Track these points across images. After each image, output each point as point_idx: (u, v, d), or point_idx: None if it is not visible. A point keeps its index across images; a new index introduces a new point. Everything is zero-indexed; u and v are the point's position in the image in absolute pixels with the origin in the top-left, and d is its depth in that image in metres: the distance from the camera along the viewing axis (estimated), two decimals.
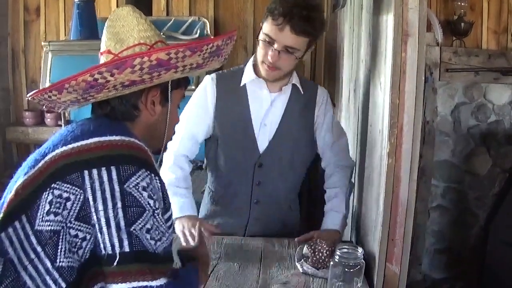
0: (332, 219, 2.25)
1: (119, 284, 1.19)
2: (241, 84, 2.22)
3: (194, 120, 2.26)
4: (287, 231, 2.40)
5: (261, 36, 2.10)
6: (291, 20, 1.99)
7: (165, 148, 1.57)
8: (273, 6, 2.02)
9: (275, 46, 2.05)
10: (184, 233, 2.08)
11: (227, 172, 2.31)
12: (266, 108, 2.25)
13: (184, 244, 2.05)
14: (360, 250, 1.82)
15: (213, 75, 2.27)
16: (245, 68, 2.25)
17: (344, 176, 2.32)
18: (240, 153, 2.27)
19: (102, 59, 1.41)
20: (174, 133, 1.61)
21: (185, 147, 2.29)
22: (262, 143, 2.26)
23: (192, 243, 2.03)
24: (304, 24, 2.01)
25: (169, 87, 1.46)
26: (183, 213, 2.14)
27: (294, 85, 2.25)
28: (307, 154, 2.38)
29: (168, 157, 2.26)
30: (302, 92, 2.26)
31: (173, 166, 2.26)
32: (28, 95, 1.42)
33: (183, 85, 1.55)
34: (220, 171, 2.33)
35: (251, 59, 2.26)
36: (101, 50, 1.44)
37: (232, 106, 2.24)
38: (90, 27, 3.27)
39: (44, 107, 1.46)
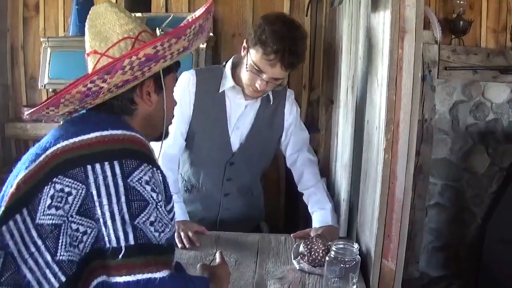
0: (322, 217, 2.38)
1: (124, 276, 1.21)
2: (220, 90, 2.35)
3: (179, 118, 2.33)
4: (254, 216, 2.69)
5: (250, 65, 2.20)
6: (283, 58, 2.11)
7: (167, 134, 1.59)
8: (264, 39, 2.11)
9: (264, 76, 2.18)
10: (180, 237, 2.16)
11: (201, 167, 2.49)
12: (240, 113, 2.40)
13: (179, 245, 2.11)
14: (355, 246, 1.83)
15: (193, 72, 2.38)
16: (225, 73, 2.36)
17: (314, 172, 2.51)
18: (214, 152, 2.43)
19: (90, 60, 1.43)
20: (173, 116, 1.62)
21: (176, 145, 2.40)
22: (235, 144, 2.43)
23: (188, 246, 2.13)
24: (294, 60, 2.15)
25: (161, 75, 1.46)
26: (177, 218, 2.18)
27: (267, 95, 2.40)
28: (272, 151, 2.62)
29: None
30: (272, 102, 2.44)
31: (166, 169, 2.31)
32: (25, 114, 1.43)
33: (174, 69, 1.56)
34: (194, 164, 2.49)
35: (230, 63, 2.38)
36: (87, 51, 1.44)
37: (210, 108, 2.37)
38: None
39: (43, 121, 1.47)
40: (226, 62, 2.43)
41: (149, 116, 1.49)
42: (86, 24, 1.45)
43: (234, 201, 2.54)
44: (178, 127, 2.35)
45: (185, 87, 2.34)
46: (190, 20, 1.46)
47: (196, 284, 1.42)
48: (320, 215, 2.37)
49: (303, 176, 2.50)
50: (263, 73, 2.18)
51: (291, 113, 2.52)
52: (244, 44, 2.26)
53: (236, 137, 2.43)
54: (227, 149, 2.43)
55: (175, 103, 1.62)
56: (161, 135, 1.55)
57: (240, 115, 2.41)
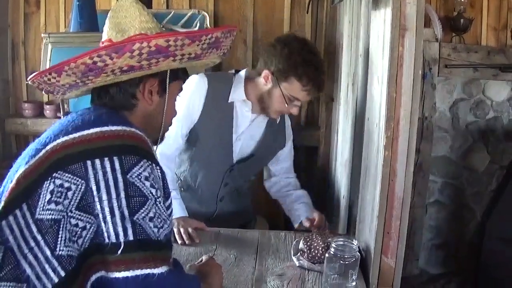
0: (307, 208, 2.56)
1: (122, 272, 1.22)
2: (229, 101, 2.39)
3: (184, 120, 2.36)
4: (244, 215, 2.75)
5: (286, 97, 2.30)
6: (320, 85, 2.28)
7: (162, 139, 1.59)
8: (299, 72, 2.24)
9: (299, 103, 2.33)
10: (180, 233, 2.17)
11: (200, 170, 2.51)
12: (246, 126, 2.45)
13: (179, 242, 2.13)
14: (355, 242, 1.83)
15: (205, 77, 2.39)
16: (236, 84, 2.41)
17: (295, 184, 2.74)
18: (215, 158, 2.47)
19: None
20: (171, 124, 1.62)
21: (175, 146, 2.42)
22: (235, 154, 2.47)
23: (187, 242, 2.14)
24: (324, 80, 2.31)
25: (167, 77, 1.47)
26: (175, 215, 2.20)
27: None
28: (265, 164, 2.72)
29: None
30: (278, 122, 2.54)
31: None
32: (28, 78, 1.43)
33: (182, 78, 1.57)
34: (193, 166, 2.51)
35: (242, 76, 2.43)
36: (102, 39, 1.46)
37: (217, 116, 2.40)
38: (90, 19, 3.26)
39: (43, 91, 1.47)
40: (236, 72, 2.48)
41: (148, 116, 1.49)
42: (108, 14, 1.48)
43: (228, 204, 2.59)
44: (180, 128, 2.36)
45: (195, 91, 2.36)
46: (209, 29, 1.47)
47: (191, 281, 1.43)
48: (305, 206, 2.57)
49: (279, 183, 2.75)
50: (299, 100, 2.32)
51: (289, 129, 2.66)
52: (268, 74, 2.32)
53: (238, 147, 2.47)
54: (228, 158, 2.47)
55: (175, 113, 1.63)
56: (157, 140, 1.55)
57: (246, 128, 2.45)
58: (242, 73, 2.45)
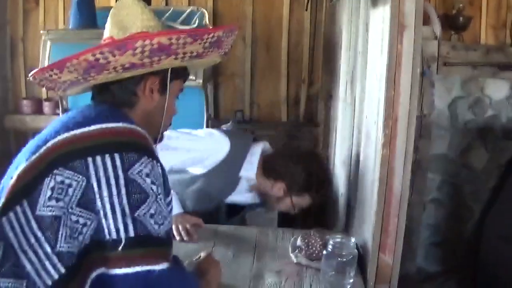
0: None
1: (123, 268, 1.22)
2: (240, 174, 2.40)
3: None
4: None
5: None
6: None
7: (161, 138, 1.59)
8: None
9: None
10: (178, 229, 2.17)
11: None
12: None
13: (178, 238, 2.13)
14: (353, 240, 1.84)
15: (226, 138, 2.37)
16: (250, 158, 2.42)
17: None
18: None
19: None
20: (170, 124, 1.63)
21: None
22: None
23: (186, 239, 2.15)
24: None
25: (168, 76, 1.47)
26: (173, 212, 2.19)
27: None
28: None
29: None
30: None
31: None
32: (29, 74, 1.43)
33: (182, 77, 1.57)
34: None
35: (259, 151, 2.45)
36: (104, 37, 1.46)
37: (221, 182, 2.39)
38: (89, 16, 3.27)
39: (44, 87, 1.47)
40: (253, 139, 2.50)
41: (148, 114, 1.49)
42: (110, 12, 1.48)
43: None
44: None
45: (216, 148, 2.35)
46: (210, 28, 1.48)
47: (191, 278, 1.43)
48: None
49: None
50: None
51: None
52: (283, 187, 2.37)
53: None
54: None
55: (175, 112, 1.63)
56: (156, 139, 1.56)
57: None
58: (259, 147, 2.46)
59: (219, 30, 1.44)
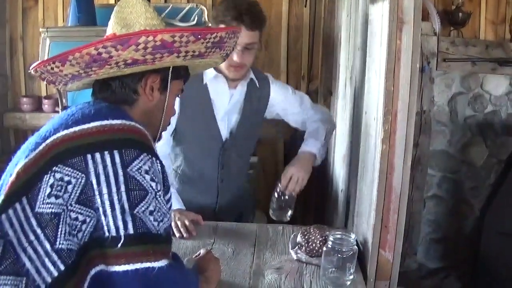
0: (310, 144, 2.47)
1: (122, 265, 1.22)
2: (204, 82, 2.39)
3: None
4: (245, 208, 2.74)
5: None
6: (244, 20, 2.20)
7: (159, 138, 1.59)
8: (222, 15, 2.24)
9: (238, 47, 2.23)
10: (177, 226, 2.18)
11: (194, 158, 2.53)
12: (226, 102, 2.44)
13: (177, 235, 2.14)
14: (353, 236, 1.84)
15: None
16: None
17: (323, 119, 2.58)
18: (205, 143, 2.47)
19: None
20: (169, 124, 1.64)
21: (167, 143, 2.46)
22: (224, 132, 2.46)
23: (185, 235, 2.15)
24: (254, 20, 2.24)
25: (170, 75, 1.48)
26: (173, 207, 2.19)
27: (251, 80, 2.46)
28: (257, 135, 2.71)
29: None
30: (258, 86, 2.49)
31: None
32: (31, 66, 1.43)
33: (183, 77, 1.57)
34: (188, 157, 2.52)
35: None
36: (107, 34, 1.46)
37: (195, 101, 2.39)
38: (88, 13, 3.27)
39: (45, 80, 1.47)
40: None
41: (148, 112, 1.49)
42: (114, 9, 1.49)
43: (230, 187, 2.57)
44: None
45: None
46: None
47: (190, 275, 1.43)
48: (310, 142, 2.49)
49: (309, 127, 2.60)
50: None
51: (277, 93, 2.57)
52: None
53: (225, 125, 2.46)
54: (217, 138, 2.46)
55: (174, 112, 1.64)
56: (155, 138, 1.56)
57: (228, 104, 2.44)
58: None
59: (222, 30, 1.45)
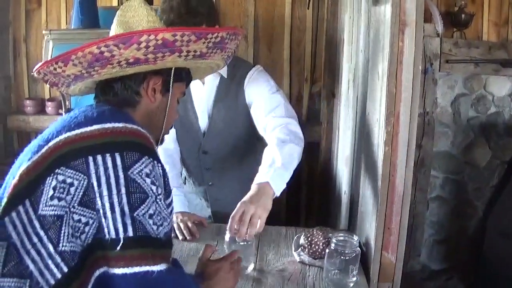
0: (260, 173, 2.03)
1: (121, 268, 1.21)
2: None
3: None
4: None
5: None
6: (173, 23, 2.06)
7: (162, 141, 1.60)
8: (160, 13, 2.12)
9: None
10: (180, 228, 2.18)
11: (184, 159, 2.56)
12: (204, 99, 2.40)
13: (180, 237, 2.14)
14: (355, 238, 1.84)
15: None
16: None
17: (279, 131, 2.20)
18: (188, 142, 2.47)
19: None
20: (172, 127, 1.64)
21: (170, 139, 2.47)
22: (203, 131, 2.44)
23: (188, 236, 2.15)
24: (189, 20, 2.06)
25: (172, 76, 1.48)
26: (175, 210, 2.22)
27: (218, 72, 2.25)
28: (249, 133, 2.44)
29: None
30: (226, 77, 2.35)
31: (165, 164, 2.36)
32: (34, 69, 1.44)
33: (185, 80, 1.58)
34: (182, 158, 2.56)
35: None
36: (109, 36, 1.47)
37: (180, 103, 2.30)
38: (91, 16, 3.27)
39: (47, 82, 1.48)
40: None
41: (150, 114, 1.50)
42: (116, 13, 1.50)
43: (221, 191, 2.51)
44: None
45: None
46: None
47: (190, 281, 1.42)
48: (260, 171, 2.06)
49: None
50: None
51: (249, 86, 2.35)
52: None
53: (204, 122, 2.42)
54: (197, 136, 2.44)
55: (177, 115, 1.64)
56: (157, 141, 1.56)
57: (203, 100, 2.40)
58: None
59: (222, 30, 1.45)
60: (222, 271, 1.58)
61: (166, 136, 1.66)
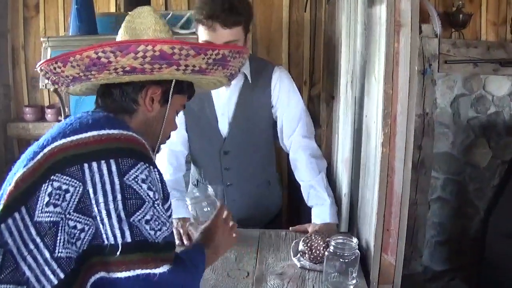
0: (320, 214, 2.33)
1: (123, 272, 1.22)
2: None
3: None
4: (269, 210, 2.65)
5: (202, 43, 2.14)
6: (218, 17, 2.07)
7: (159, 150, 1.59)
8: (197, 12, 2.13)
9: None
10: (179, 234, 2.19)
11: (199, 161, 2.53)
12: (225, 99, 2.38)
13: (177, 242, 2.11)
14: (355, 240, 1.83)
15: None
16: None
17: (310, 162, 2.42)
18: (206, 142, 2.45)
19: None
20: (169, 137, 1.63)
21: (179, 141, 2.44)
22: (224, 131, 2.41)
23: (186, 242, 2.14)
24: (230, 16, 2.09)
25: (172, 88, 1.48)
26: (176, 216, 2.22)
27: (244, 74, 2.36)
28: (269, 133, 2.53)
29: (163, 156, 2.38)
30: (250, 81, 2.36)
31: (167, 167, 2.40)
32: (37, 65, 1.47)
33: (187, 93, 1.58)
34: (194, 160, 2.55)
35: None
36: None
37: (197, 101, 2.31)
38: (89, 23, 3.27)
39: (49, 80, 1.48)
40: None
41: (147, 123, 1.50)
42: (125, 19, 1.51)
43: (239, 192, 2.50)
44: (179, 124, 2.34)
45: None
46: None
47: (196, 264, 1.42)
48: (318, 211, 2.34)
49: (297, 166, 2.45)
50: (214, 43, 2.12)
51: (276, 89, 2.41)
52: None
53: (224, 123, 2.41)
54: (217, 138, 2.42)
55: (175, 127, 1.63)
56: (153, 150, 1.55)
57: (226, 101, 2.38)
58: None
59: (225, 48, 1.45)
60: (219, 229, 1.65)
61: (170, 141, 1.67)
